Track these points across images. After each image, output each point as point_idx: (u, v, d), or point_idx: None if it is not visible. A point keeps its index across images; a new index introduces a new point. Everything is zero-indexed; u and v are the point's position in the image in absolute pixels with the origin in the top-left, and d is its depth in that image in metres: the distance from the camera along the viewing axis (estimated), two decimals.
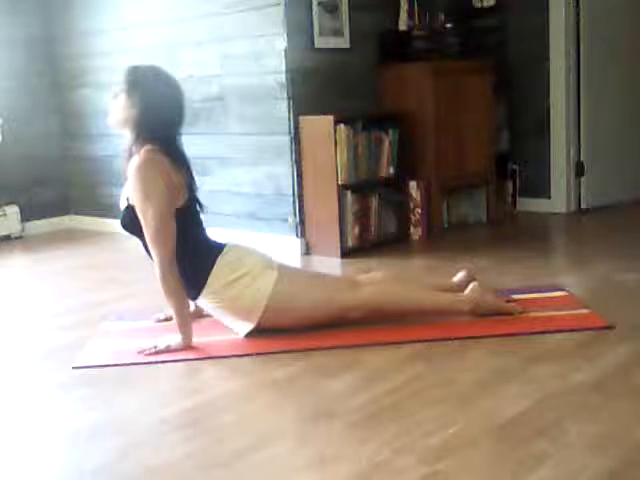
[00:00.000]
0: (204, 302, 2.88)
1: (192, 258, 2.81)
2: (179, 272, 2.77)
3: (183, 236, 2.78)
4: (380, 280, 3.00)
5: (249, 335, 2.83)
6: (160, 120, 2.78)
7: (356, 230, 4.29)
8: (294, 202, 4.33)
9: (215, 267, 2.80)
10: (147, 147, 2.74)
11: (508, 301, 3.03)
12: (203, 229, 2.93)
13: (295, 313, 2.84)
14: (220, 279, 2.80)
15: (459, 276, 3.13)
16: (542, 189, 5.26)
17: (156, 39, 4.93)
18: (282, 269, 2.89)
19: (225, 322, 2.89)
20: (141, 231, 2.77)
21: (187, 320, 2.79)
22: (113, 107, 2.81)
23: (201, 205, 2.93)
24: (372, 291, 2.88)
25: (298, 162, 4.31)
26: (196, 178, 2.94)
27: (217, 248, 2.86)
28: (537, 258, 3.95)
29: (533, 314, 2.95)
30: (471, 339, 2.72)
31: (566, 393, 2.22)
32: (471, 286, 2.97)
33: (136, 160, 2.73)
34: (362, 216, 4.32)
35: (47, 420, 2.28)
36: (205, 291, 2.82)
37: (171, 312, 3.13)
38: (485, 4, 5.21)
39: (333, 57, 4.48)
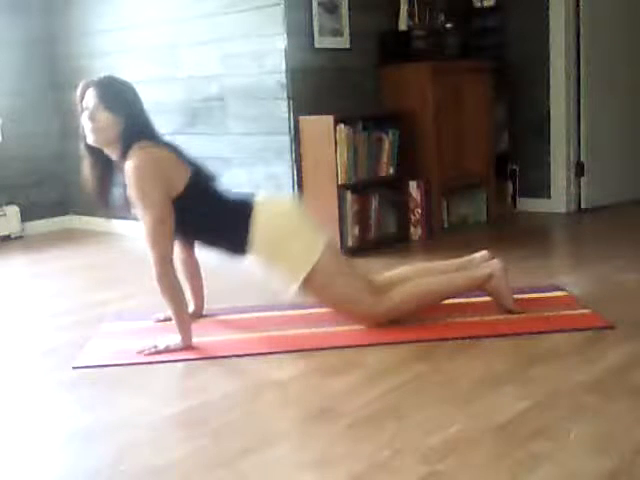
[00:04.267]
0: (254, 260, 2.86)
1: (222, 223, 2.82)
2: (217, 240, 2.82)
3: (203, 207, 2.81)
4: (405, 279, 2.97)
5: (295, 298, 2.85)
6: (143, 119, 2.86)
7: (356, 230, 4.29)
8: None
9: (254, 225, 2.78)
10: (140, 145, 2.75)
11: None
12: (222, 193, 2.91)
13: (327, 292, 2.84)
14: (264, 238, 2.78)
15: (476, 256, 3.12)
16: (542, 189, 5.27)
17: (156, 39, 4.93)
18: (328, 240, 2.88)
19: (273, 281, 2.89)
20: None
21: (185, 320, 2.79)
22: (96, 128, 2.78)
23: (209, 173, 2.92)
24: (395, 299, 2.86)
25: (298, 162, 4.31)
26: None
27: (247, 206, 2.83)
28: (537, 258, 3.95)
29: (533, 314, 2.95)
30: (471, 339, 2.72)
31: (566, 393, 2.22)
32: (494, 260, 3.00)
33: (133, 161, 2.73)
34: (362, 216, 4.32)
35: (47, 420, 2.28)
36: (251, 249, 2.80)
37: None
38: (485, 4, 5.21)
39: (333, 57, 4.48)
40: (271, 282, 2.92)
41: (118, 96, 2.81)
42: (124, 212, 2.92)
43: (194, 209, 2.81)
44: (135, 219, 2.91)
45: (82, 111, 2.82)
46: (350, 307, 2.86)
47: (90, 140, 2.82)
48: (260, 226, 2.79)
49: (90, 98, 2.78)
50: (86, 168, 2.95)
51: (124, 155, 2.77)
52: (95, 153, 2.88)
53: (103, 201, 2.98)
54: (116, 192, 2.95)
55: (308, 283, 2.80)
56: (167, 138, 2.96)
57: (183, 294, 2.83)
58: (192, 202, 2.80)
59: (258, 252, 2.81)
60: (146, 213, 2.73)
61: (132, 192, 2.75)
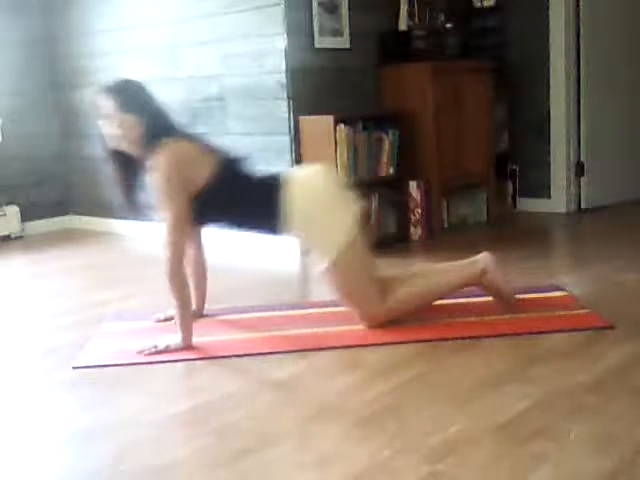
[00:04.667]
0: (290, 235, 2.89)
1: (257, 202, 2.85)
2: (253, 220, 2.87)
3: (236, 190, 2.84)
4: (404, 279, 2.97)
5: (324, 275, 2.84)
6: (162, 116, 2.88)
7: None
8: None
9: (289, 201, 2.79)
10: (162, 142, 2.77)
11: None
12: (253, 174, 2.94)
13: (348, 276, 2.83)
14: (300, 213, 2.79)
15: (477, 258, 3.11)
16: (542, 189, 5.27)
17: (156, 39, 4.93)
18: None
19: (311, 254, 2.91)
20: None
21: (188, 321, 2.80)
22: (119, 133, 2.83)
23: (238, 156, 2.95)
24: (396, 299, 2.87)
25: (298, 162, 4.31)
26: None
27: (280, 182, 2.84)
28: (537, 258, 3.95)
29: (533, 314, 2.95)
30: (471, 339, 2.72)
31: (566, 393, 2.22)
32: (484, 253, 3.01)
33: (155, 161, 2.77)
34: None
35: (47, 420, 2.28)
36: (288, 225, 2.82)
37: (171, 312, 3.14)
38: (485, 4, 5.21)
39: (333, 57, 4.48)
40: (308, 255, 2.90)
41: (135, 98, 2.85)
42: (148, 214, 2.93)
43: (227, 193, 2.84)
44: (146, 219, 2.93)
45: (102, 117, 2.86)
46: (360, 301, 2.86)
47: (114, 145, 2.87)
48: (296, 201, 2.80)
49: (108, 104, 2.82)
50: (111, 172, 2.99)
51: (148, 154, 2.80)
52: (119, 157, 2.92)
53: (130, 204, 3.01)
54: (142, 194, 2.97)
55: (337, 261, 2.80)
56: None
57: (190, 294, 2.84)
58: (224, 187, 2.83)
59: (294, 227, 2.82)
60: (167, 213, 2.77)
61: (154, 192, 2.79)
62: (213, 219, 2.95)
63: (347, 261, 2.81)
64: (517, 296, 3.02)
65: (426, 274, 3.01)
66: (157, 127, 2.83)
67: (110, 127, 2.84)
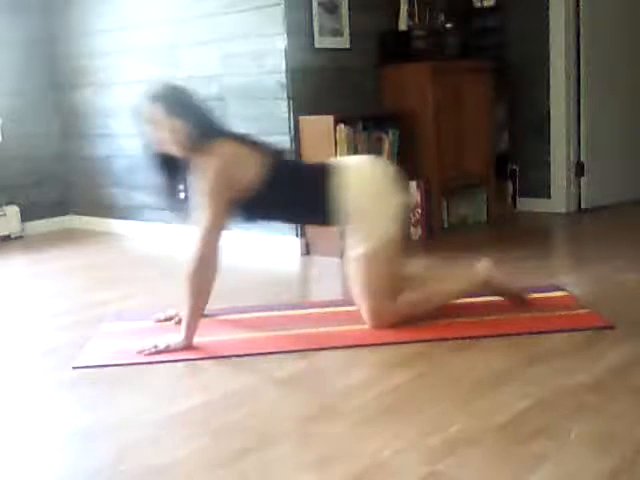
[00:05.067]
0: (337, 223, 2.90)
1: (309, 195, 2.89)
2: (305, 213, 2.92)
3: (287, 186, 2.87)
4: (415, 285, 2.99)
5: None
6: (208, 119, 2.92)
7: None
8: None
9: (341, 191, 2.82)
10: (209, 144, 2.80)
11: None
12: (304, 167, 3.05)
13: (374, 268, 2.84)
14: (350, 202, 2.82)
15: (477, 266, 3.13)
16: (542, 189, 5.27)
17: (156, 39, 4.93)
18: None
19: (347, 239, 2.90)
20: None
21: (196, 322, 2.80)
22: (167, 138, 2.85)
23: (282, 150, 3.02)
24: (401, 302, 2.88)
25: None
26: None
27: (331, 172, 2.87)
28: (537, 258, 3.95)
29: (533, 314, 2.95)
30: (471, 339, 2.72)
31: (566, 393, 2.22)
32: (482, 261, 3.02)
33: (201, 163, 2.79)
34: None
35: (47, 420, 2.28)
36: (338, 215, 2.84)
37: (171, 312, 3.15)
38: (485, 4, 5.21)
39: (333, 57, 4.48)
40: (343, 238, 2.91)
41: (181, 101, 2.88)
42: (188, 215, 2.94)
43: (279, 189, 2.86)
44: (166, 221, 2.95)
45: (147, 123, 2.88)
46: (375, 293, 2.85)
47: (160, 149, 2.89)
48: (347, 190, 2.82)
49: (154, 109, 2.84)
50: (154, 176, 3.01)
51: (194, 156, 2.82)
52: (162, 160, 2.94)
53: (173, 207, 3.03)
54: (184, 196, 2.99)
55: (376, 250, 2.82)
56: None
57: (206, 299, 2.83)
58: (275, 184, 2.85)
59: (344, 215, 2.84)
60: (205, 213, 2.77)
61: (196, 192, 2.80)
62: (265, 216, 3.00)
63: (384, 252, 2.84)
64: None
65: (430, 283, 3.01)
66: (203, 129, 2.85)
67: (157, 132, 2.86)
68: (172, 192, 3.00)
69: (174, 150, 2.88)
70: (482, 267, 3.02)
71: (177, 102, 2.87)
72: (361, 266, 2.86)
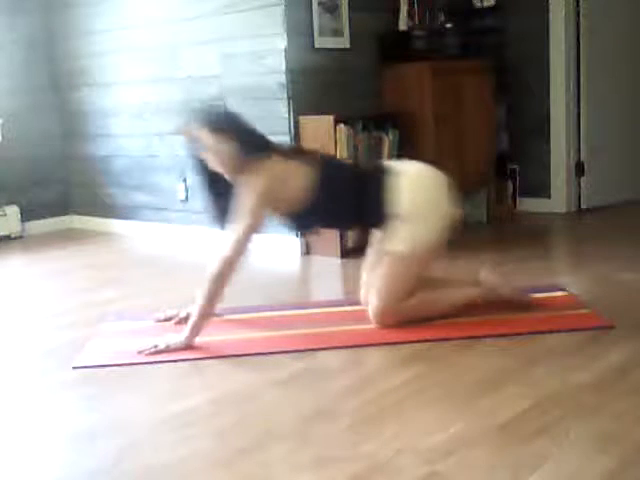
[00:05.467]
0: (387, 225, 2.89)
1: (364, 199, 2.88)
2: (358, 218, 2.91)
3: (340, 193, 2.89)
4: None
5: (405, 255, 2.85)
6: (254, 137, 2.94)
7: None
8: None
9: (396, 192, 2.83)
10: (258, 160, 2.82)
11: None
12: (357, 171, 3.03)
13: (401, 267, 2.86)
14: (403, 203, 2.83)
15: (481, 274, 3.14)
16: (542, 189, 5.27)
17: (156, 39, 4.93)
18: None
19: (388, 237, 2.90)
20: None
21: (202, 325, 2.80)
22: (217, 160, 2.87)
23: (331, 156, 3.04)
24: (407, 307, 2.89)
25: None
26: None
27: (387, 175, 2.88)
28: (537, 258, 3.95)
29: (533, 314, 2.95)
30: (471, 339, 2.72)
31: (566, 393, 2.22)
32: (484, 272, 3.04)
33: (251, 177, 2.80)
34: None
35: (47, 420, 2.28)
36: (390, 215, 2.85)
37: (171, 312, 3.15)
38: (485, 4, 5.21)
39: (333, 57, 4.48)
40: (382, 237, 2.91)
41: (227, 124, 2.89)
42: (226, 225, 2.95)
43: (329, 198, 2.87)
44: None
45: (195, 144, 2.90)
46: (392, 291, 2.85)
47: (215, 169, 2.90)
48: (404, 193, 2.83)
49: (202, 134, 2.85)
50: (202, 191, 3.04)
51: (242, 173, 2.84)
52: (211, 178, 2.96)
53: (220, 222, 3.01)
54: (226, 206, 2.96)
55: (415, 254, 2.84)
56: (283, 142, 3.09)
57: (218, 300, 2.83)
58: (324, 192, 2.86)
59: (396, 218, 2.84)
60: (244, 221, 2.78)
61: (239, 202, 2.81)
62: (316, 224, 3.01)
63: (421, 257, 2.87)
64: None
65: (438, 290, 3.01)
66: (249, 149, 2.86)
67: (210, 156, 2.87)
68: (220, 209, 2.99)
69: (221, 169, 2.90)
70: (488, 276, 3.02)
71: (222, 122, 2.89)
72: (394, 263, 2.86)
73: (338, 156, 4.13)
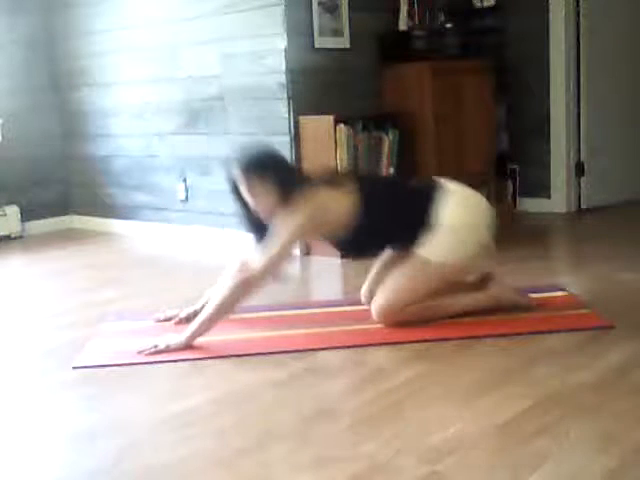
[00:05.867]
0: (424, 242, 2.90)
1: (409, 216, 2.90)
2: (403, 235, 2.89)
3: (384, 214, 2.90)
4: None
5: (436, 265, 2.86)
6: (291, 174, 2.99)
7: None
8: None
9: (442, 206, 2.86)
10: (299, 194, 2.82)
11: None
12: (400, 189, 3.05)
13: (423, 275, 2.87)
14: (447, 218, 2.86)
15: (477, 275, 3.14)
16: (542, 189, 5.27)
17: (156, 39, 4.93)
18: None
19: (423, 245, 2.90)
20: None
21: (205, 329, 2.79)
22: (260, 205, 2.87)
23: (373, 176, 3.07)
24: (411, 309, 2.88)
25: (298, 162, 4.31)
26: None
27: (434, 190, 2.91)
28: (537, 258, 3.95)
29: (533, 314, 2.95)
30: (471, 339, 2.72)
31: (566, 393, 2.22)
32: (493, 284, 3.02)
33: (292, 211, 2.80)
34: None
35: (47, 420, 2.28)
36: (431, 229, 2.87)
37: (171, 312, 3.15)
38: (485, 4, 5.21)
39: (333, 57, 4.48)
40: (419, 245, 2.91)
41: (265, 168, 2.88)
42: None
43: (375, 219, 2.88)
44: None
45: (238, 187, 2.90)
46: (402, 295, 2.84)
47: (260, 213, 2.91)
48: (449, 211, 2.86)
49: (245, 182, 2.86)
50: (243, 219, 3.03)
51: (284, 207, 2.83)
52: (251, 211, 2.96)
53: (256, 236, 2.99)
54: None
55: (443, 267, 2.85)
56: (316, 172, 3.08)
57: (227, 317, 2.83)
58: (371, 214, 2.86)
59: (436, 227, 2.86)
60: (274, 249, 2.77)
61: (278, 224, 2.80)
62: (369, 246, 3.00)
63: (444, 273, 2.87)
64: (531, 296, 3.06)
65: (440, 297, 2.99)
66: (289, 185, 2.85)
67: (255, 202, 2.87)
68: (256, 226, 2.97)
69: (263, 212, 2.88)
70: (495, 286, 3.02)
71: (262, 171, 2.86)
72: (418, 266, 2.87)
73: (337, 157, 4.14)
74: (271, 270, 2.82)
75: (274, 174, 2.85)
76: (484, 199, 3.05)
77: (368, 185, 2.98)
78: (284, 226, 2.79)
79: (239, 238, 4.41)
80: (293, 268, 4.13)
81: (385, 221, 2.90)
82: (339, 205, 2.87)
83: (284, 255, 2.82)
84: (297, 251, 2.85)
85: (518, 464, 1.82)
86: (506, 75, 5.18)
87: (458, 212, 2.89)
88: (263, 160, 2.92)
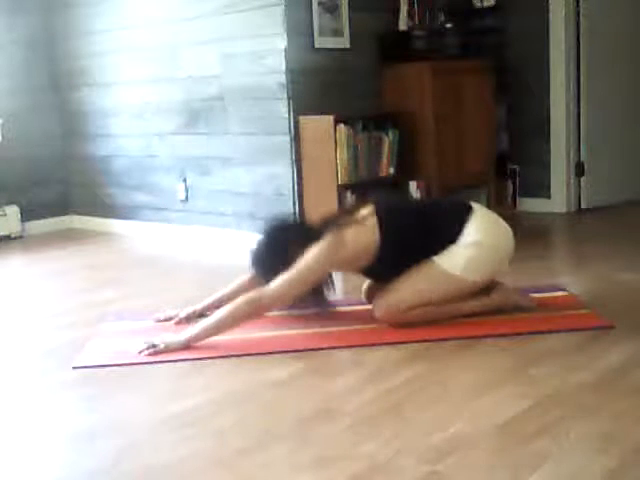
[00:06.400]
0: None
1: (436, 233, 2.93)
2: (431, 249, 2.90)
3: (411, 235, 2.93)
4: None
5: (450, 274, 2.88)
6: (307, 229, 3.01)
7: None
8: (294, 202, 4.33)
9: (470, 222, 2.92)
10: (332, 232, 2.84)
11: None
12: (424, 209, 3.13)
13: (439, 288, 2.89)
14: (472, 235, 2.90)
15: None
16: (542, 189, 5.27)
17: (156, 39, 4.93)
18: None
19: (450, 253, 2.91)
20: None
21: (208, 335, 2.78)
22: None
23: (388, 202, 3.11)
24: (413, 315, 2.89)
25: (298, 162, 4.31)
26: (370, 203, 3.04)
27: (463, 209, 2.99)
28: (537, 258, 3.95)
29: (533, 314, 2.95)
30: (471, 339, 2.72)
31: (566, 393, 2.22)
32: (497, 289, 3.02)
33: (314, 251, 2.81)
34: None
35: (47, 420, 2.28)
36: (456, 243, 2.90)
37: (170, 312, 3.15)
38: (485, 4, 5.21)
39: (333, 57, 4.48)
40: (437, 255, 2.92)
41: (286, 235, 2.96)
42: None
43: (398, 246, 2.89)
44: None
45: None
46: (404, 302, 2.85)
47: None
48: (473, 225, 2.91)
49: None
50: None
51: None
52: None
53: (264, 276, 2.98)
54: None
55: (457, 279, 2.87)
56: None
57: (236, 326, 2.82)
58: (392, 244, 2.88)
59: (458, 242, 2.89)
60: (292, 275, 2.76)
61: (301, 256, 2.80)
62: (395, 273, 2.96)
63: (456, 286, 2.88)
64: (532, 296, 3.08)
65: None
66: (309, 239, 2.86)
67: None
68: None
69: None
70: (500, 290, 3.03)
71: (285, 236, 2.94)
72: (431, 271, 2.88)
73: (337, 157, 4.13)
74: (282, 297, 2.80)
75: (296, 239, 2.89)
76: (509, 228, 3.08)
77: (385, 214, 2.95)
78: (304, 259, 2.80)
79: (239, 238, 4.42)
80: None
81: (406, 246, 2.91)
82: (358, 241, 2.88)
83: (297, 285, 2.80)
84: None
85: (518, 464, 1.82)
86: (506, 75, 5.19)
87: (484, 232, 2.92)
88: (285, 228, 3.02)
